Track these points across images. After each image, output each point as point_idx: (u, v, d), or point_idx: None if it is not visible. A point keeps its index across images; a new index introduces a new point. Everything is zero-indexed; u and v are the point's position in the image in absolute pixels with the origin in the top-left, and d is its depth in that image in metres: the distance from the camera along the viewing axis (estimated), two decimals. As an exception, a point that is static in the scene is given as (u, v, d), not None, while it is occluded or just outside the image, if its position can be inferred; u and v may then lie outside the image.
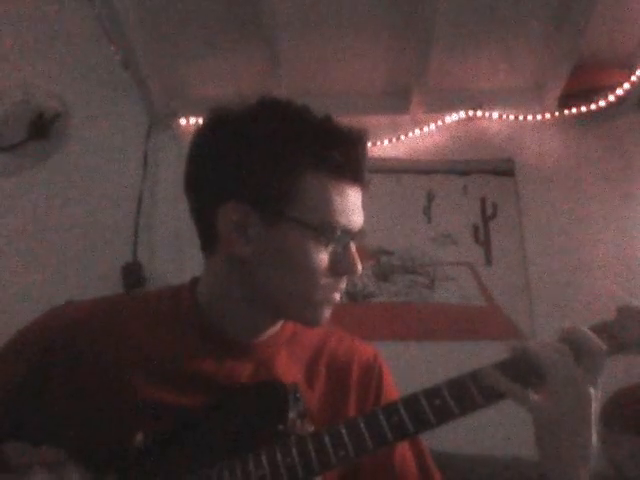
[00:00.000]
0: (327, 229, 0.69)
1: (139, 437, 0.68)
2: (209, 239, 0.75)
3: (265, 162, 0.69)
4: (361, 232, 0.74)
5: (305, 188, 0.68)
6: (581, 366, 0.62)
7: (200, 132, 0.74)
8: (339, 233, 0.70)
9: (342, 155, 0.69)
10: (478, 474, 1.18)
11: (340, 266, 0.71)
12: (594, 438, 0.62)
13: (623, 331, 0.66)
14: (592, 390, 0.62)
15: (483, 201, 1.96)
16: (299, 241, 0.69)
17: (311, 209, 0.69)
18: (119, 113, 2.04)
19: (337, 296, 0.73)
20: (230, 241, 0.70)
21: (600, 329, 0.66)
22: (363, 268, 0.73)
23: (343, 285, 0.74)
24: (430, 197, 1.98)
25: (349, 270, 0.72)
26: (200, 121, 2.00)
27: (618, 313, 0.68)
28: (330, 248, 0.70)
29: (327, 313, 0.73)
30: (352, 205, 0.72)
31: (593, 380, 0.62)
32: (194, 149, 0.74)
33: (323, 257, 0.70)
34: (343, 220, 0.70)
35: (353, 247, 0.72)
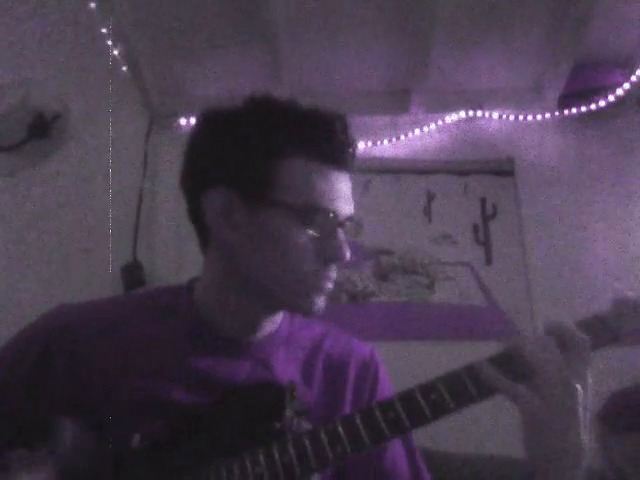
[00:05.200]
0: (310, 211, 0.69)
1: (136, 438, 0.68)
2: (202, 232, 0.76)
3: (246, 147, 0.70)
4: (350, 220, 0.73)
5: (287, 171, 0.69)
6: (567, 360, 0.61)
7: (191, 130, 0.77)
8: (323, 216, 0.69)
9: (323, 139, 0.70)
10: (476, 474, 1.18)
11: (326, 252, 0.70)
12: (585, 437, 0.60)
13: (618, 322, 0.65)
14: (579, 385, 0.61)
15: (483, 201, 1.96)
16: (283, 224, 0.69)
17: (294, 191, 0.69)
18: (119, 113, 2.04)
19: (329, 285, 0.72)
20: (217, 227, 0.71)
21: (594, 321, 0.66)
22: (359, 264, 0.72)
23: (334, 274, 0.73)
24: (430, 197, 1.98)
25: (335, 256, 0.71)
26: (200, 121, 2.00)
27: (613, 304, 0.67)
28: (315, 232, 0.69)
29: (321, 302, 0.73)
30: (337, 190, 0.71)
31: (580, 374, 0.61)
32: (186, 147, 0.76)
33: (307, 241, 0.69)
34: (327, 204, 0.70)
35: (341, 233, 0.71)
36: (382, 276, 1.88)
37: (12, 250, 1.89)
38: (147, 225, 1.93)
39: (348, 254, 0.71)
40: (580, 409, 0.60)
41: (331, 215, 0.70)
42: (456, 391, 0.62)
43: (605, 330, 0.65)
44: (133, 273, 1.83)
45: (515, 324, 1.80)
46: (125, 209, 1.92)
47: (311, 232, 0.69)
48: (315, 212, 0.69)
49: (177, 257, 1.87)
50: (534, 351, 0.62)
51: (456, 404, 0.62)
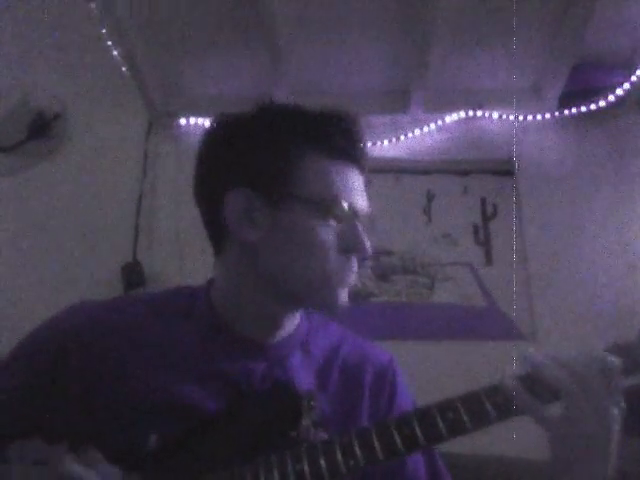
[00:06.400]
0: (330, 204, 0.70)
1: (152, 438, 0.68)
2: (219, 234, 0.76)
3: (264, 147, 0.71)
4: (368, 217, 0.74)
5: (306, 168, 0.71)
6: (604, 386, 0.60)
7: (203, 135, 0.77)
8: (343, 209, 0.70)
9: (338, 136, 0.72)
10: (484, 474, 1.17)
11: (348, 244, 0.71)
12: (613, 457, 0.60)
13: None
14: (616, 410, 0.60)
15: (483, 201, 1.96)
16: (304, 219, 0.70)
17: (313, 187, 0.70)
18: (119, 113, 2.04)
19: (352, 278, 0.73)
20: (239, 228, 0.71)
21: (620, 349, 0.64)
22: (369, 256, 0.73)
23: (355, 266, 0.73)
24: (430, 197, 1.98)
25: (357, 247, 0.72)
26: (200, 121, 2.01)
27: (639, 332, 0.66)
28: (336, 226, 0.71)
29: (344, 296, 0.73)
30: (354, 186, 0.73)
31: (617, 400, 0.61)
32: (198, 152, 0.77)
33: (330, 234, 0.70)
34: (345, 197, 0.71)
35: (360, 227, 0.72)
36: (382, 276, 1.88)
37: (12, 250, 1.89)
38: (147, 225, 1.93)
39: (369, 247, 0.72)
40: (616, 434, 0.60)
41: (350, 208, 0.71)
42: (475, 412, 0.61)
43: (632, 359, 0.63)
44: (133, 273, 1.83)
45: (515, 324, 1.80)
46: (125, 209, 1.92)
47: (332, 226, 0.70)
48: (335, 205, 0.70)
49: (177, 257, 1.87)
50: (557, 375, 0.61)
51: (473, 425, 0.61)
